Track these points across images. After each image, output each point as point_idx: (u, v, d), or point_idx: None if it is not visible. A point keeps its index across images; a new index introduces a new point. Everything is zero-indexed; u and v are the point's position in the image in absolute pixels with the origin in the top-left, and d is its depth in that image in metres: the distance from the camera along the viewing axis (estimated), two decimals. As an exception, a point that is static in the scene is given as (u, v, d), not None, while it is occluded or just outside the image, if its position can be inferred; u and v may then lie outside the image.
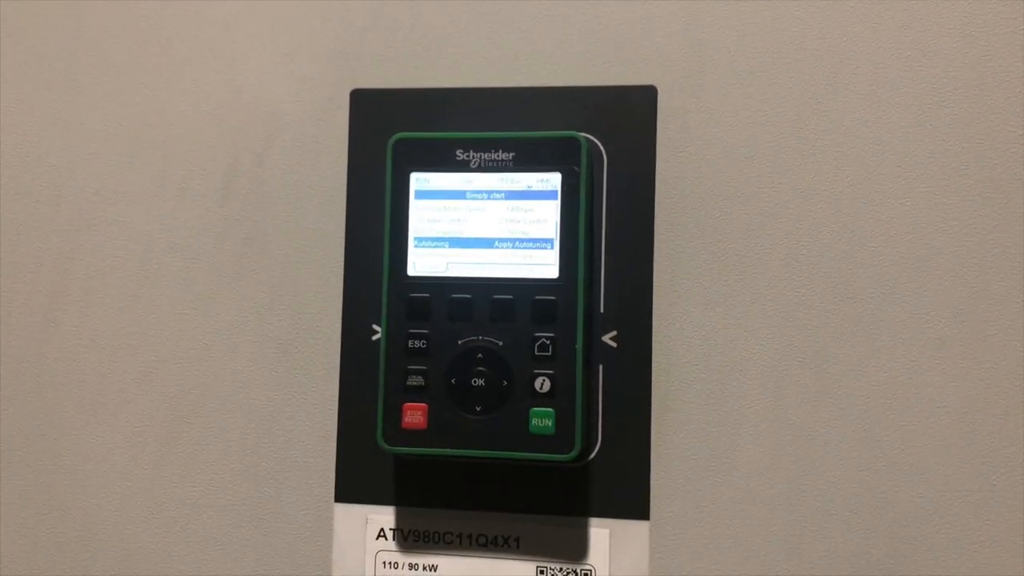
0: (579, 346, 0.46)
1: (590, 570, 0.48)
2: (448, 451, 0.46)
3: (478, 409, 0.46)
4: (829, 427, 0.47)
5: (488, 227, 0.47)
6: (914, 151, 0.48)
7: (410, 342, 0.47)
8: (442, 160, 0.48)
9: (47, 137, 0.54)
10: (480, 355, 0.46)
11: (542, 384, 0.46)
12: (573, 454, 0.45)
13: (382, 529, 0.50)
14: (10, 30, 0.55)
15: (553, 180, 0.47)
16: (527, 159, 0.47)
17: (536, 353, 0.46)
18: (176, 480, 0.52)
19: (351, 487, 0.50)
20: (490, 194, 0.47)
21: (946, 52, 0.48)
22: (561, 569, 0.48)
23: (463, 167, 0.47)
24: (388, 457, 0.49)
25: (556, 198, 0.47)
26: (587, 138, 0.48)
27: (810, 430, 0.47)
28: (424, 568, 0.49)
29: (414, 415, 0.46)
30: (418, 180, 0.48)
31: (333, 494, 0.50)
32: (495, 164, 0.47)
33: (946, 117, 0.47)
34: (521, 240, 0.47)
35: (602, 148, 0.49)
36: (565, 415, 0.45)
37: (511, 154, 0.47)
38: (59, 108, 0.54)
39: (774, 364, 0.48)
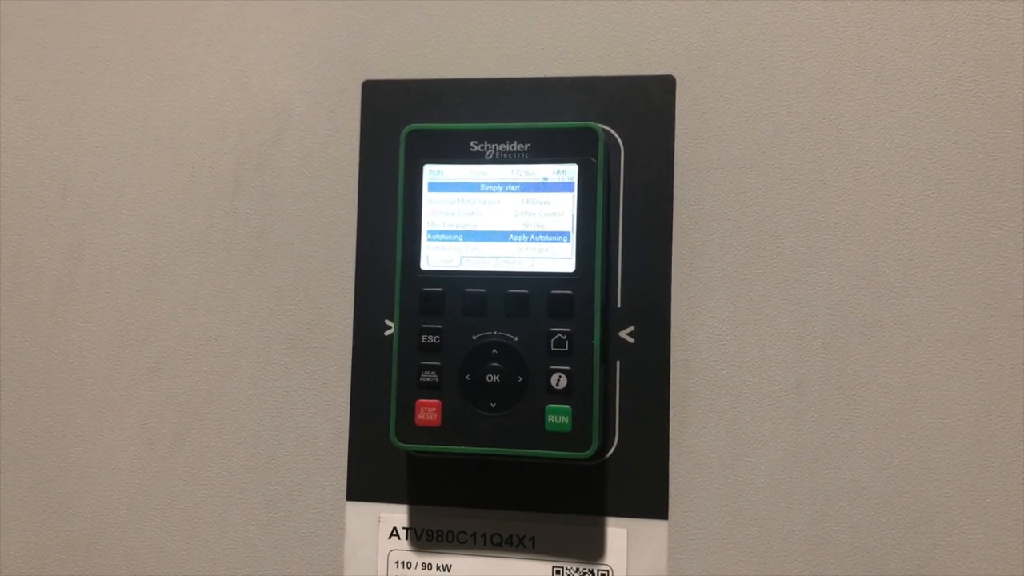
0: (596, 342, 0.45)
1: (607, 570, 0.47)
2: (462, 448, 0.45)
3: (493, 406, 0.45)
4: (851, 424, 0.46)
5: (503, 220, 0.46)
6: (938, 142, 0.47)
7: (423, 337, 0.46)
8: (456, 152, 0.47)
9: (54, 130, 0.54)
10: (495, 351, 0.46)
11: (558, 380, 0.45)
12: (590, 452, 0.44)
13: (394, 528, 0.49)
14: (16, 22, 0.55)
15: (569, 172, 0.46)
16: (543, 150, 0.46)
17: (552, 349, 0.45)
18: (185, 478, 0.51)
19: (363, 485, 0.49)
20: (505, 186, 0.47)
21: (972, 40, 0.47)
22: (577, 569, 0.47)
23: (477, 159, 0.47)
24: (401, 455, 0.49)
25: (572, 190, 0.46)
26: (604, 129, 0.47)
27: (831, 427, 0.46)
28: (437, 568, 0.48)
29: (428, 412, 0.46)
30: (431, 172, 0.47)
31: (345, 492, 0.50)
32: (510, 155, 0.46)
33: (972, 108, 0.47)
34: (537, 233, 0.46)
35: (619, 139, 0.48)
36: (582, 412, 0.45)
37: (526, 145, 0.46)
38: (65, 101, 0.54)
39: (795, 360, 0.47)
